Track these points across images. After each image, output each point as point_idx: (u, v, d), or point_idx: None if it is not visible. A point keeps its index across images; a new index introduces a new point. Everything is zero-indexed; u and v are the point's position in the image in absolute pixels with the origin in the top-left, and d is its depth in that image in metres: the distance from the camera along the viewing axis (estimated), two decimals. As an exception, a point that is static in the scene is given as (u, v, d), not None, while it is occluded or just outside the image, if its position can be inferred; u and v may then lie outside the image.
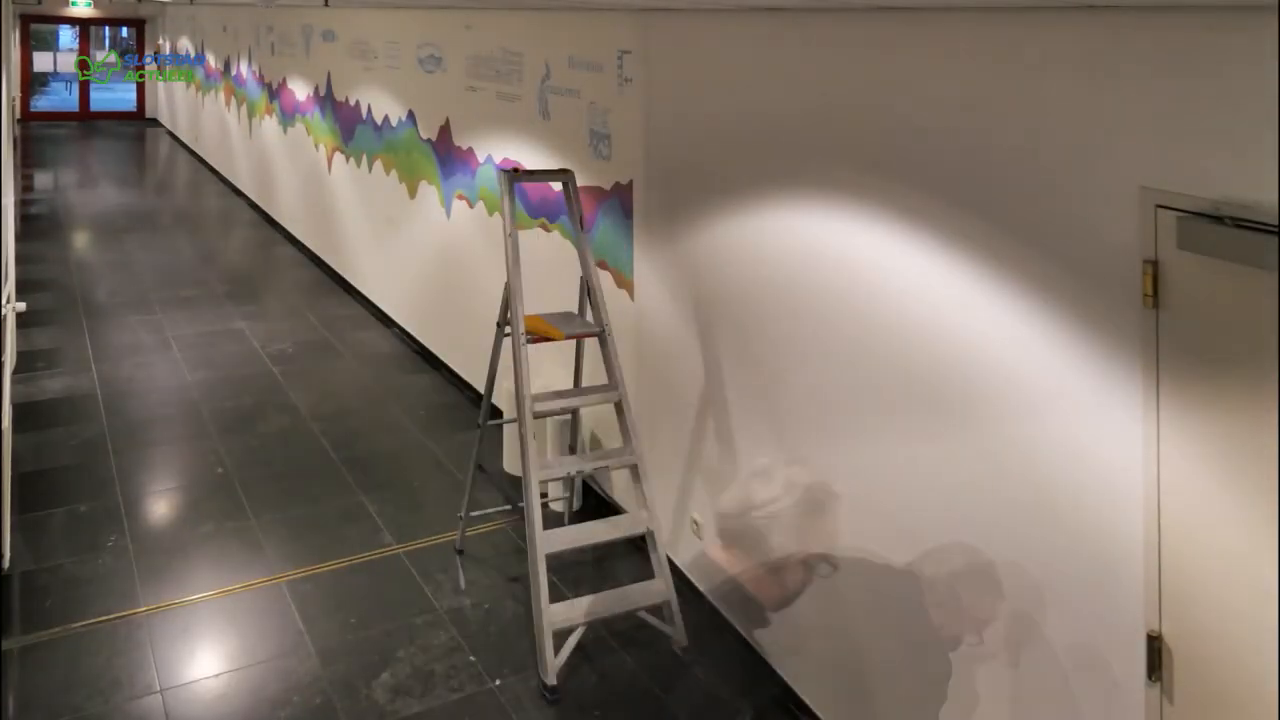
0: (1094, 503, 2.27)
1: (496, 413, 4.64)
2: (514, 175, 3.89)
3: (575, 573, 4.14)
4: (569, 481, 4.55)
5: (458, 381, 6.17)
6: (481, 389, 4.48)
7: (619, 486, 4.53)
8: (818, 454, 3.20)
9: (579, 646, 3.57)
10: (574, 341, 4.15)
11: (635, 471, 3.74)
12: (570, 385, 4.28)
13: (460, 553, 4.31)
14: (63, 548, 4.27)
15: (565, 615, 3.53)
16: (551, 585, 3.65)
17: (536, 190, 5.02)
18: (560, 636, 3.50)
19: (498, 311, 4.03)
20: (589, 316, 4.01)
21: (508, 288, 3.82)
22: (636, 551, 4.03)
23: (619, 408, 3.82)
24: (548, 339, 3.87)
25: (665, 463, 4.12)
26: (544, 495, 4.17)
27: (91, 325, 7.23)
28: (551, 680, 3.41)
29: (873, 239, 2.93)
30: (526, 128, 5.15)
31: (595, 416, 4.58)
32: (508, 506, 4.60)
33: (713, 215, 3.69)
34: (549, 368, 4.66)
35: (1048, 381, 2.38)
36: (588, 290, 3.96)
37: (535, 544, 3.51)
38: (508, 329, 3.88)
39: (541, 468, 3.79)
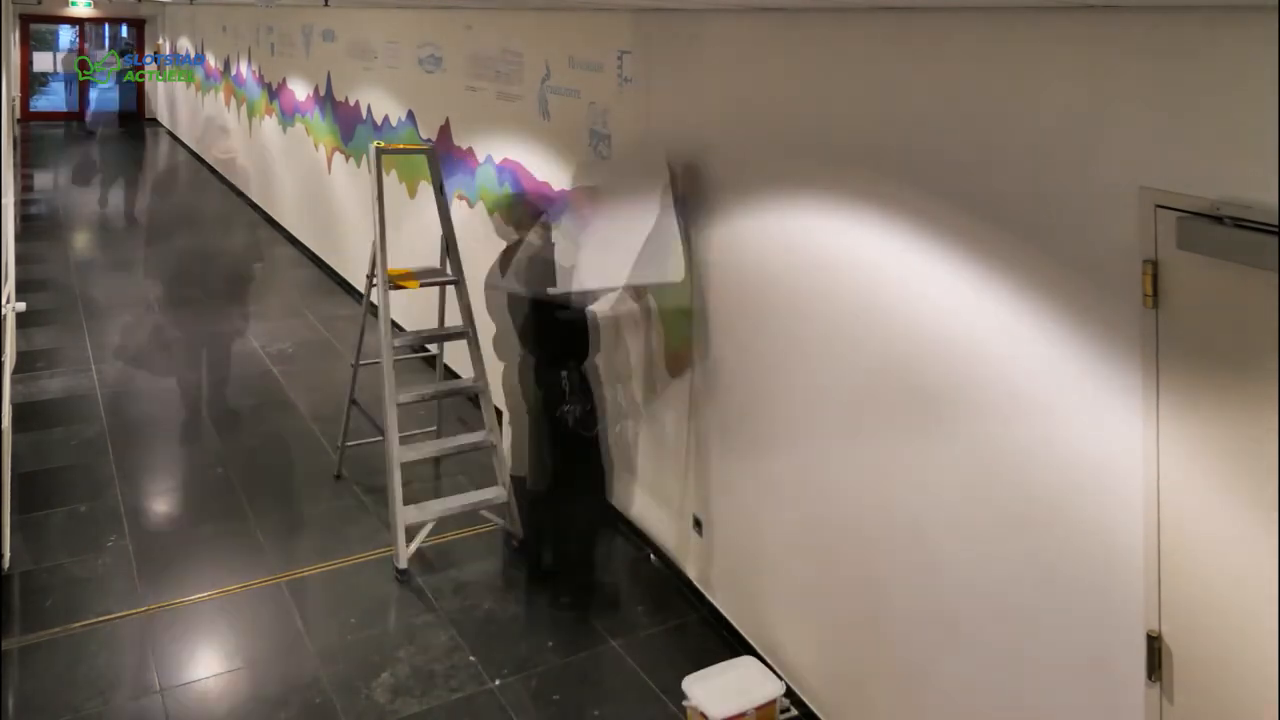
0: (1094, 502, 2.27)
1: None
2: (380, 149, 4.64)
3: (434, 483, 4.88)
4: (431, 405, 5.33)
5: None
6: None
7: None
8: (817, 452, 3.20)
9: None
10: (436, 290, 4.96)
11: (480, 399, 4.55)
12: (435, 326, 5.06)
13: (338, 478, 4.94)
14: (63, 548, 4.27)
15: (416, 515, 4.26)
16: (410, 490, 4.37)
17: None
18: (411, 531, 4.22)
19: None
20: (449, 269, 4.74)
21: (374, 245, 4.48)
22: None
23: (471, 345, 4.58)
24: (406, 287, 4.69)
25: (666, 462, 4.12)
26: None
27: (91, 325, 7.23)
28: (402, 565, 4.13)
29: (873, 238, 2.93)
30: (527, 128, 5.15)
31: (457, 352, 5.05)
32: (379, 438, 4.67)
33: (712, 214, 3.69)
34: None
35: (1048, 381, 2.37)
36: (447, 246, 4.71)
37: (392, 456, 4.24)
38: (375, 280, 4.54)
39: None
